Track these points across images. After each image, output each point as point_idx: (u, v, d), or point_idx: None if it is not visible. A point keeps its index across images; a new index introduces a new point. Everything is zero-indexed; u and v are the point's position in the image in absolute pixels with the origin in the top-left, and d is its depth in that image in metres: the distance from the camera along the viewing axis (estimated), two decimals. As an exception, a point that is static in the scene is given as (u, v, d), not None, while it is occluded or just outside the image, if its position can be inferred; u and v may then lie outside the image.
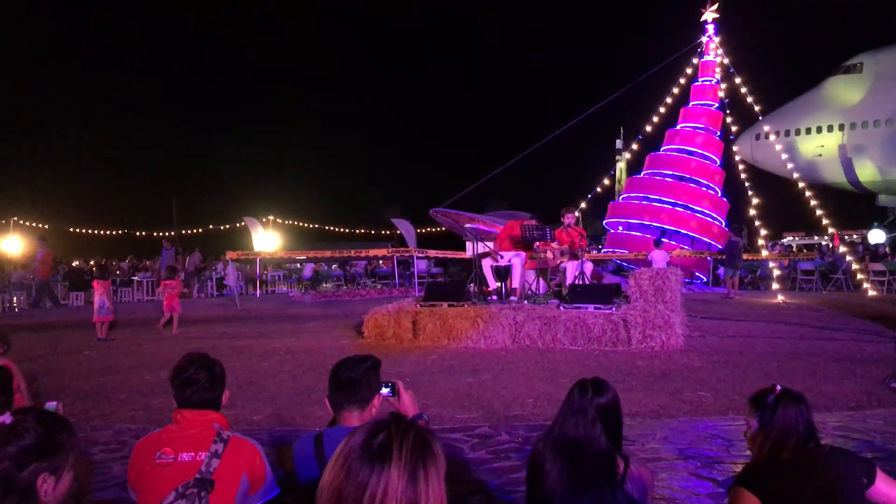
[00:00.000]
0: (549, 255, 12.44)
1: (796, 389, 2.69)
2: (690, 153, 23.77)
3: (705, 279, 22.77)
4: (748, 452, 2.73)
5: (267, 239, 30.64)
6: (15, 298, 21.39)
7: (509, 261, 11.87)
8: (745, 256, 23.68)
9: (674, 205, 22.51)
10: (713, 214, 22.72)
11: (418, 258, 24.36)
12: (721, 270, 24.20)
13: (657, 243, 19.24)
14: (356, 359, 2.99)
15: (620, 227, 23.89)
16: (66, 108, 61.44)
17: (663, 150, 24.51)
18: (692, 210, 22.47)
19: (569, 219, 12.48)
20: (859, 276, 21.35)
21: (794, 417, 2.56)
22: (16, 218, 33.63)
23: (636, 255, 21.52)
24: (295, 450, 2.95)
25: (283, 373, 8.46)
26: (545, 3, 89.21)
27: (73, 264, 27.32)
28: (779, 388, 2.66)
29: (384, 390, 3.01)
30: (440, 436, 5.33)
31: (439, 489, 1.46)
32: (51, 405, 2.53)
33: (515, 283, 11.86)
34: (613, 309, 10.17)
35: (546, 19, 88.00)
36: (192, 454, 2.65)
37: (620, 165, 30.06)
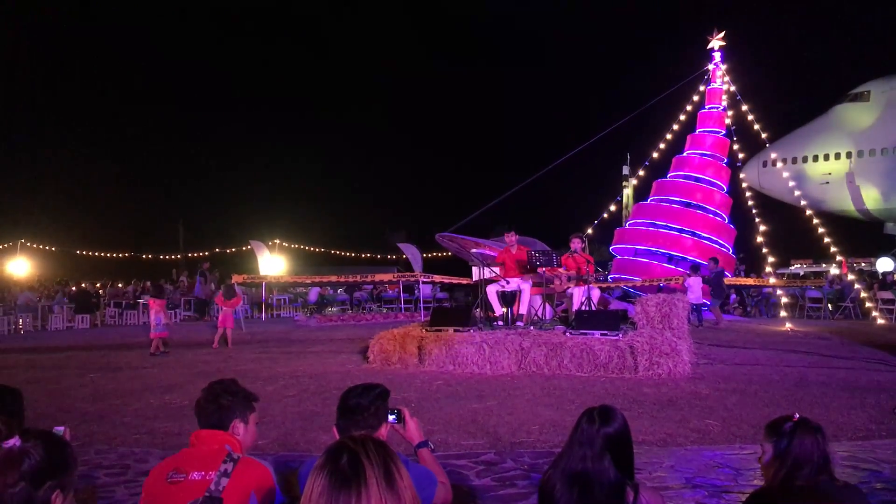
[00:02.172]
0: (556, 280, 12.43)
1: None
2: (697, 180, 23.78)
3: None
4: (757, 482, 2.71)
5: (273, 263, 30.72)
6: (21, 320, 21.44)
7: (516, 286, 11.85)
8: (751, 281, 23.70)
9: (681, 231, 22.48)
10: (720, 241, 22.68)
11: (424, 283, 24.35)
12: (732, 297, 24.26)
13: (694, 269, 19.24)
14: (365, 386, 2.99)
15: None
16: (73, 131, 61.86)
17: (670, 177, 24.52)
18: (699, 237, 22.44)
19: (576, 244, 12.47)
20: (868, 304, 21.27)
21: (810, 447, 2.54)
22: (23, 240, 33.79)
23: (643, 282, 21.46)
24: (300, 475, 2.94)
25: (288, 397, 8.43)
26: (552, 27, 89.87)
27: (82, 285, 27.41)
28: (796, 416, 2.65)
29: (390, 417, 3.01)
30: (445, 462, 5.30)
31: (409, 478, 1.55)
32: (59, 430, 2.55)
33: (523, 309, 11.84)
34: (620, 335, 10.13)
35: (553, 44, 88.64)
36: (203, 473, 2.68)
37: (627, 192, 30.10)
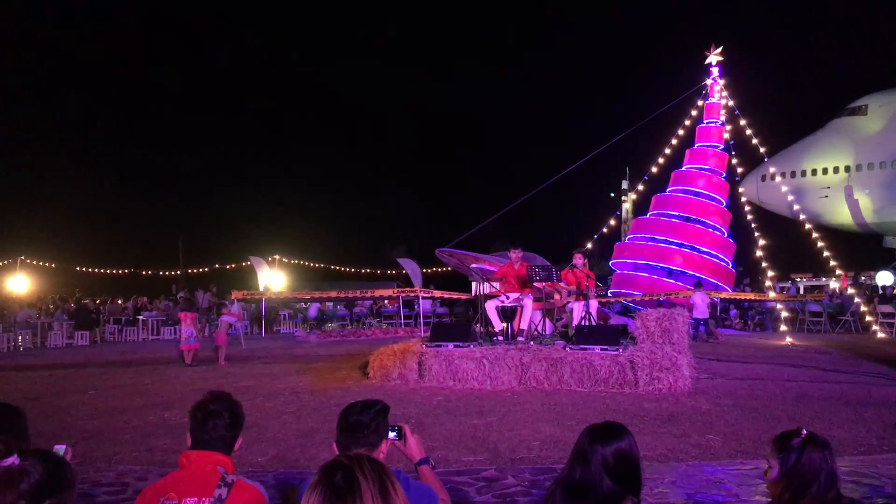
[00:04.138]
0: (556, 296, 12.44)
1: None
2: (696, 194, 23.83)
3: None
4: (758, 498, 2.69)
5: (272, 278, 30.69)
6: (20, 337, 21.39)
7: (516, 301, 11.84)
8: (752, 296, 23.73)
9: (680, 245, 22.50)
10: (720, 255, 22.70)
11: (424, 298, 24.33)
12: (733, 312, 24.37)
13: (698, 285, 19.29)
14: (365, 403, 2.98)
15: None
16: (72, 146, 61.92)
17: (669, 191, 24.57)
18: (699, 251, 22.46)
19: (577, 260, 12.49)
20: (868, 317, 21.26)
21: (818, 463, 2.51)
22: (23, 257, 33.79)
23: (643, 297, 21.46)
24: (300, 492, 2.93)
25: (288, 414, 8.41)
26: (550, 43, 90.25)
27: (83, 301, 27.35)
28: (804, 431, 2.61)
29: (391, 434, 3.00)
30: (446, 479, 5.29)
31: (404, 494, 1.57)
32: (59, 448, 2.53)
33: (524, 324, 11.83)
34: (620, 350, 10.12)
35: (551, 61, 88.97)
36: (196, 499, 2.59)
37: (626, 206, 30.13)
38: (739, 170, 26.86)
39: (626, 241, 25.11)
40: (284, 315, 28.04)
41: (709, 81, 25.33)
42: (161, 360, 15.12)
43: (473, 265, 16.23)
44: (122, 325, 24.78)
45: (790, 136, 34.42)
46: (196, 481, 2.66)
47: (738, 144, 26.05)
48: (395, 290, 25.55)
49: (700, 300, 18.55)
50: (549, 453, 6.21)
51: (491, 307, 12.08)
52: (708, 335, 18.35)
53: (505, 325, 11.80)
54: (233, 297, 22.81)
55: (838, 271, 26.49)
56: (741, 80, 27.68)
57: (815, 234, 25.32)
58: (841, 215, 31.94)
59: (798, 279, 33.52)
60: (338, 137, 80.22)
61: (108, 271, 38.32)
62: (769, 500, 2.70)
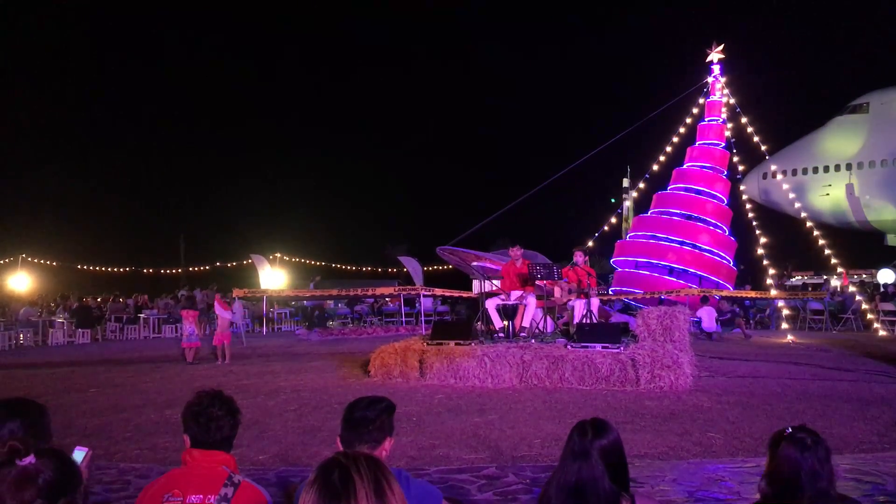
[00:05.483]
0: (556, 291, 12.45)
1: (815, 432, 2.62)
2: (697, 192, 23.80)
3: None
4: (759, 496, 2.68)
5: (273, 276, 30.68)
6: (22, 335, 21.40)
7: (518, 300, 11.84)
8: (754, 294, 23.72)
9: (681, 243, 22.47)
10: (721, 253, 22.68)
11: (425, 296, 24.31)
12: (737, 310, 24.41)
13: (704, 300, 19.23)
14: (371, 399, 2.98)
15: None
16: (73, 146, 62.00)
17: (670, 189, 24.55)
18: (700, 249, 22.43)
19: (578, 257, 12.51)
20: (869, 315, 21.25)
21: (795, 460, 2.50)
22: (24, 255, 33.79)
23: (644, 295, 21.44)
24: (299, 491, 2.92)
25: (289, 412, 8.41)
26: (551, 43, 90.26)
27: (84, 300, 27.36)
28: (788, 429, 2.62)
29: None
30: (447, 477, 5.30)
31: (401, 494, 1.55)
32: (81, 451, 2.52)
33: (526, 322, 11.83)
34: (621, 348, 10.12)
35: (552, 61, 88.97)
36: (201, 497, 2.58)
37: (627, 204, 30.09)
38: (741, 168, 26.83)
39: (628, 238, 25.09)
40: (285, 313, 28.02)
41: (710, 79, 25.29)
42: (162, 359, 15.12)
43: (475, 263, 16.22)
44: (124, 324, 24.77)
45: (792, 134, 34.42)
46: (200, 479, 2.65)
47: (739, 142, 26.05)
48: (396, 289, 25.55)
49: (706, 315, 18.57)
50: (550, 451, 6.20)
51: (492, 305, 12.09)
52: (715, 337, 18.34)
53: (506, 323, 11.81)
54: (234, 296, 22.82)
55: (839, 269, 26.47)
56: (742, 78, 27.68)
57: (816, 232, 25.31)
58: (842, 213, 31.92)
59: (797, 276, 33.52)
60: (339, 136, 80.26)
61: (110, 270, 38.32)
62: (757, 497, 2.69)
